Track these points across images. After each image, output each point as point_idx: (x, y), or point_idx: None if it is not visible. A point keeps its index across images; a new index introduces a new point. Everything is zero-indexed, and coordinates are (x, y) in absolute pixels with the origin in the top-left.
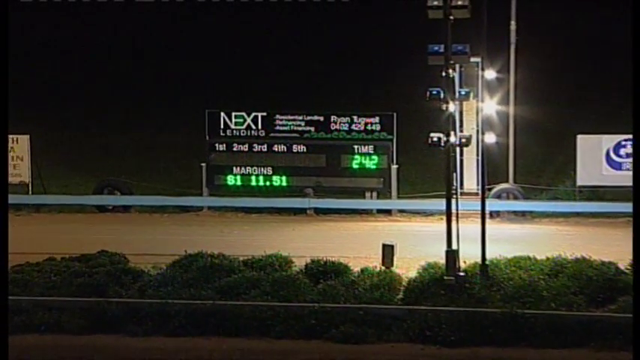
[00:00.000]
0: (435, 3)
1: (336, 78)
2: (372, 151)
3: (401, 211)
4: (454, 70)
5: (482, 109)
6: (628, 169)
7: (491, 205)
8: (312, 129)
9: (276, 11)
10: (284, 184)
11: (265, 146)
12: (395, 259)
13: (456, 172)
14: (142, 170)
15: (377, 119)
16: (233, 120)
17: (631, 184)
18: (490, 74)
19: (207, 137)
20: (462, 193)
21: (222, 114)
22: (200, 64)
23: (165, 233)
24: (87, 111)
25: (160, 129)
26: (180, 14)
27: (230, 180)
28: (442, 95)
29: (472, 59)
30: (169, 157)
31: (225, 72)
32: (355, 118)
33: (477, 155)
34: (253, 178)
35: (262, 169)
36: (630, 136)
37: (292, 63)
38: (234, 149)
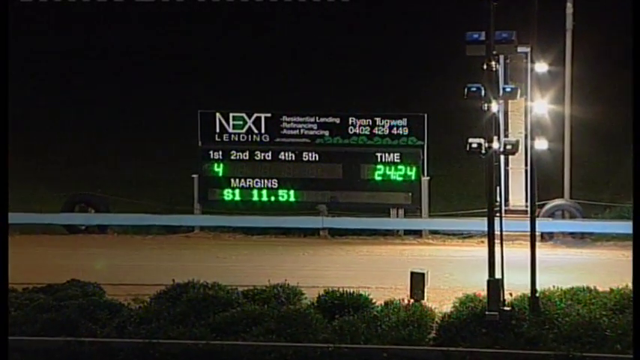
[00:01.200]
0: None
1: (355, 73)
2: (398, 160)
3: (433, 232)
4: (498, 62)
5: (531, 109)
6: None
7: (543, 225)
8: (327, 133)
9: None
10: (292, 199)
11: (269, 154)
12: (426, 290)
13: (499, 185)
14: (122, 183)
15: (404, 121)
16: (231, 122)
17: None
18: (541, 67)
19: (200, 143)
20: (507, 211)
21: (218, 115)
22: (191, 55)
23: (149, 259)
24: (52, 111)
25: (143, 133)
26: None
27: (227, 195)
28: (483, 92)
29: (519, 49)
30: (154, 166)
31: (222, 66)
32: (378, 120)
33: (526, 165)
34: (255, 192)
35: (266, 181)
36: None
37: (302, 57)
38: (233, 157)
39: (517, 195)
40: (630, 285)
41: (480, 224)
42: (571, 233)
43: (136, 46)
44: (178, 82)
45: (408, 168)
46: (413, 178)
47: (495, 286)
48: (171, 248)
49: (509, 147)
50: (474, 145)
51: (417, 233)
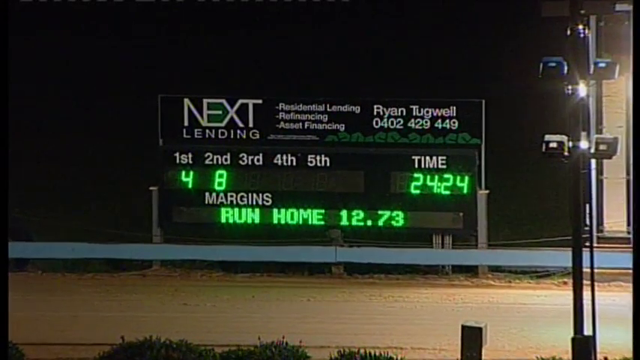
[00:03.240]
0: None
1: (381, 44)
2: (444, 166)
3: (494, 268)
4: (587, 26)
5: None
6: None
7: None
8: (342, 127)
9: None
10: (292, 221)
11: (260, 157)
12: (484, 351)
13: (589, 202)
14: (50, 198)
15: (453, 111)
16: (205, 112)
17: None
18: None
19: (161, 142)
20: (600, 239)
21: (187, 102)
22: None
23: (87, 307)
24: None
25: (81, 131)
26: None
27: (200, 215)
28: (566, 69)
29: (618, 7)
30: (96, 175)
31: (193, 40)
32: (415, 108)
33: (628, 173)
34: (240, 211)
35: (255, 196)
36: None
37: (307, 21)
38: (208, 162)
39: (615, 216)
40: None
41: (562, 257)
42: None
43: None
44: (135, 62)
45: (459, 177)
46: (465, 191)
47: (584, 346)
48: (119, 292)
49: (603, 147)
50: (553, 145)
51: (471, 270)
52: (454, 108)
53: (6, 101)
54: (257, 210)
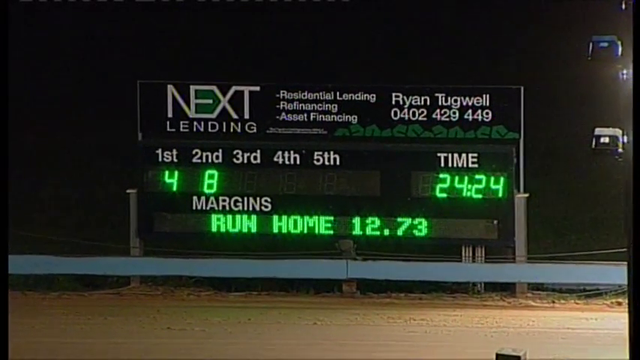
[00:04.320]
0: None
1: (396, 20)
2: (475, 165)
3: (535, 286)
4: None
5: None
6: None
7: None
8: (354, 119)
9: None
10: (295, 230)
11: (258, 154)
12: None
13: None
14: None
15: (486, 99)
16: (193, 101)
17: None
18: None
19: (140, 136)
20: None
21: (171, 88)
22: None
23: (52, 331)
24: None
25: (47, 123)
26: None
27: (186, 223)
28: (619, 50)
29: None
30: (64, 176)
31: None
32: (441, 97)
33: None
34: (233, 218)
35: (252, 200)
36: None
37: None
38: (196, 160)
39: None
40: None
41: (615, 273)
42: None
43: None
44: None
45: (493, 178)
46: (500, 194)
47: None
48: (90, 314)
49: None
50: (605, 140)
51: (507, 288)
52: (487, 96)
53: (6, 101)
54: (254, 217)
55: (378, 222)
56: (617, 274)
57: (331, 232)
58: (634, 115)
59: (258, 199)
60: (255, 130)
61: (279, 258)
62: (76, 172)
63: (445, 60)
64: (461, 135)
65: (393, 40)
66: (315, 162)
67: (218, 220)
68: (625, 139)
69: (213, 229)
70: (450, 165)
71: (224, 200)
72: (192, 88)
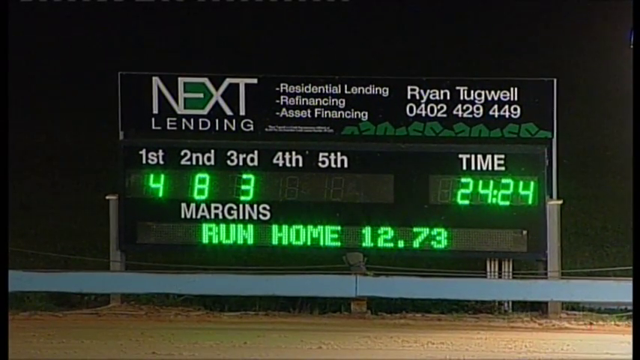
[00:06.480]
0: None
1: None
2: (501, 168)
3: (569, 305)
4: None
5: None
6: None
7: None
8: (365, 115)
9: None
10: (298, 241)
11: (255, 155)
12: None
13: None
14: None
15: (514, 93)
16: (181, 95)
17: None
18: None
19: (122, 135)
20: None
21: (156, 81)
22: None
23: (22, 355)
24: None
25: (18, 121)
26: None
27: (173, 233)
28: None
29: None
30: (34, 181)
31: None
32: (463, 90)
33: None
34: (227, 228)
35: (249, 207)
36: None
37: None
38: (184, 162)
39: None
40: None
41: None
42: None
43: None
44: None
45: (521, 183)
46: (530, 201)
47: None
48: (65, 336)
49: None
50: None
51: (538, 308)
52: (515, 90)
53: (6, 101)
54: (250, 226)
55: (391, 232)
56: None
57: (338, 243)
58: (634, 115)
59: (255, 206)
60: (252, 129)
61: (279, 273)
62: (47, 176)
63: (469, 49)
64: (485, 134)
65: (408, 27)
66: (319, 164)
67: (210, 230)
68: None
69: (205, 240)
70: (473, 168)
71: (217, 208)
72: (181, 80)
